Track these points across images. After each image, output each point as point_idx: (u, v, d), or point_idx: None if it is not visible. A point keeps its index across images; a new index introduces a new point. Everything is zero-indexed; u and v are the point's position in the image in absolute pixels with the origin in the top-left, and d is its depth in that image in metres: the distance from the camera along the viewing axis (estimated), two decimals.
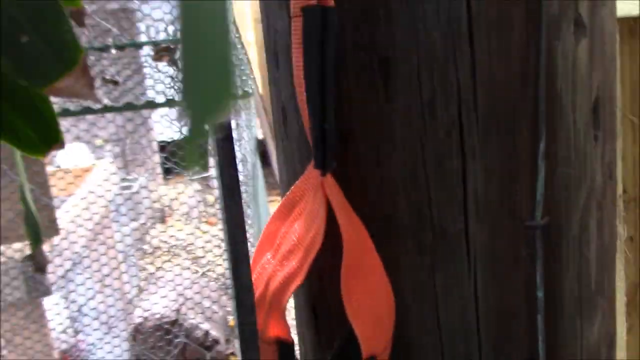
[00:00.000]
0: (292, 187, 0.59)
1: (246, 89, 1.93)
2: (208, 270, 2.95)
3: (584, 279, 0.65)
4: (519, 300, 0.63)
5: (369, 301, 0.56)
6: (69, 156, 2.47)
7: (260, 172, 2.46)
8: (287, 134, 0.66)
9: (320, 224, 0.55)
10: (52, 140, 0.56)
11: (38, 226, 0.99)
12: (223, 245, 2.92)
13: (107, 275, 2.06)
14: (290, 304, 0.66)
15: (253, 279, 0.56)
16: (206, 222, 3.54)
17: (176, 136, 3.71)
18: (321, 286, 0.63)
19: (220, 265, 2.92)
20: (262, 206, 2.52)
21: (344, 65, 0.54)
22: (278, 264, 0.56)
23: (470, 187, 0.59)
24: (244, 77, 1.90)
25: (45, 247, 1.81)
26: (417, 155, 0.57)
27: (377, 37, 0.55)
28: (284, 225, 0.60)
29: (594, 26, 0.59)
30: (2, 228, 1.72)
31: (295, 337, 0.64)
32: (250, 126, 2.17)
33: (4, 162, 1.74)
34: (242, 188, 2.22)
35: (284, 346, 0.56)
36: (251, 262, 0.58)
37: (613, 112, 0.66)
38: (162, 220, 3.72)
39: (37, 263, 0.85)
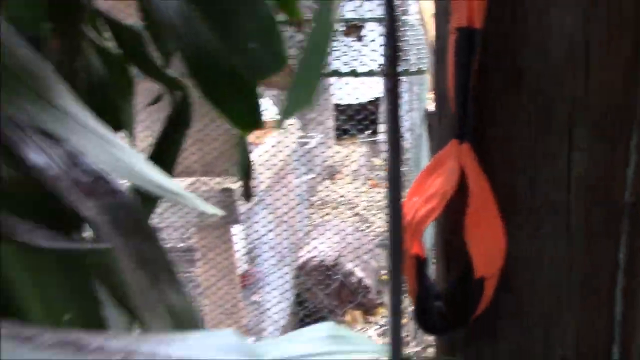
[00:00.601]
0: (440, 152, 0.82)
1: (421, 66, 2.15)
2: (367, 227, 3.23)
3: None
4: (605, 264, 0.81)
5: (485, 239, 0.79)
6: (265, 110, 2.84)
7: (425, 142, 2.67)
8: (443, 113, 0.89)
9: (454, 182, 0.78)
10: (256, 123, 0.79)
11: (248, 166, 1.30)
12: (384, 205, 3.19)
13: (286, 213, 2.41)
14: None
15: (404, 211, 0.80)
16: (370, 183, 3.83)
17: (353, 102, 4.00)
18: (454, 226, 0.86)
19: (377, 223, 3.20)
20: None
21: (488, 67, 0.76)
22: (422, 203, 0.79)
23: (574, 172, 0.78)
24: (419, 56, 2.13)
25: (238, 184, 2.17)
26: (535, 144, 0.78)
27: (514, 48, 0.75)
28: (429, 178, 0.83)
29: None
30: (207, 164, 2.10)
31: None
32: (422, 100, 2.39)
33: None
34: (407, 155, 2.45)
35: (420, 261, 0.81)
36: (404, 200, 0.82)
37: None
38: (331, 177, 4.05)
39: (246, 193, 1.15)
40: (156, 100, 1.02)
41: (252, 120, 0.77)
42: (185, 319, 0.58)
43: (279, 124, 0.62)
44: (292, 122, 2.87)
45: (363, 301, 2.71)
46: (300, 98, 0.58)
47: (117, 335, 0.47)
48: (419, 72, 2.27)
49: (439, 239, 0.88)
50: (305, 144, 3.37)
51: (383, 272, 2.90)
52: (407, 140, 2.36)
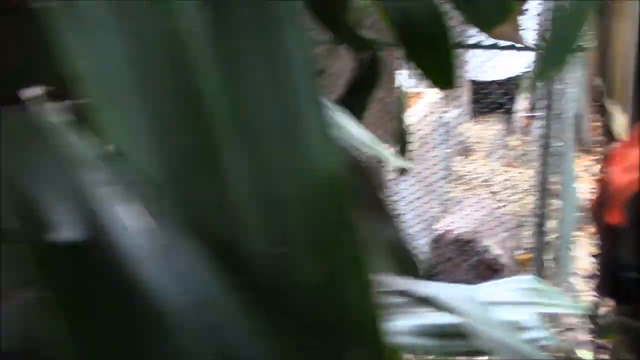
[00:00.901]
0: None
1: (580, 43, 2.08)
2: (503, 206, 3.20)
3: None
4: None
5: None
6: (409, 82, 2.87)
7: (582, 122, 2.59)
8: None
9: None
10: (451, 82, 0.84)
11: (405, 139, 1.35)
12: (520, 186, 3.14)
13: (435, 182, 2.45)
14: None
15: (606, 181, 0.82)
16: (505, 162, 3.76)
17: (489, 79, 3.92)
18: None
19: (513, 203, 3.15)
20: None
21: None
22: (622, 174, 0.80)
23: None
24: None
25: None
26: None
27: None
28: (627, 151, 0.84)
29: None
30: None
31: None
32: (578, 78, 2.33)
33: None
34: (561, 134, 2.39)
35: (618, 230, 0.82)
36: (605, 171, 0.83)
37: None
38: (466, 153, 4.02)
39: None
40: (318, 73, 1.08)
41: (448, 78, 0.83)
42: (402, 256, 0.64)
43: (532, 84, 0.66)
44: (437, 95, 2.88)
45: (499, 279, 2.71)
46: (555, 60, 0.61)
47: (390, 275, 0.55)
48: (578, 49, 2.20)
49: (633, 211, 0.89)
50: (443, 118, 3.36)
51: (519, 251, 2.87)
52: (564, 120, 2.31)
